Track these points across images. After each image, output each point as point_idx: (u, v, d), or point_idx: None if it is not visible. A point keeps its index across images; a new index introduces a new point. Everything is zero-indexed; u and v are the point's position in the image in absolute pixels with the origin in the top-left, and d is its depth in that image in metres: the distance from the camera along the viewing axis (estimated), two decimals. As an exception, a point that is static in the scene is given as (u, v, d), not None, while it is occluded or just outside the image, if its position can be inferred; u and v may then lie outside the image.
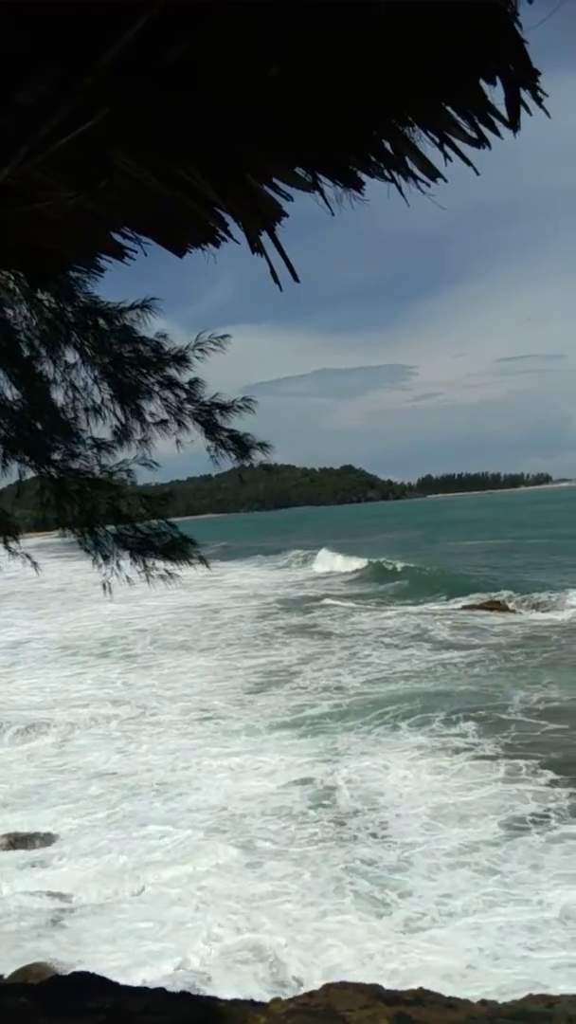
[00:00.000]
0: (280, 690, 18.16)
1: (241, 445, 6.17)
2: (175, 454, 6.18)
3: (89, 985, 5.57)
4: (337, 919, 8.04)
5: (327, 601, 33.87)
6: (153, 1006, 5.18)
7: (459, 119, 2.15)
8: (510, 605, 27.57)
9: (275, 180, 2.66)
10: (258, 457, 6.29)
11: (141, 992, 5.63)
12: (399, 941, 7.61)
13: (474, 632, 23.76)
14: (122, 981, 5.90)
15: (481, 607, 27.86)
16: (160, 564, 6.30)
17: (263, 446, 6.24)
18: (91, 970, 6.02)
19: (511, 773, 11.68)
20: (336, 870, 9.06)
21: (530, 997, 6.15)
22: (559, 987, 6.65)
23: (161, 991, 5.71)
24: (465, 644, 21.98)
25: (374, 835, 9.97)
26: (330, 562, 52.22)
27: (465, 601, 29.51)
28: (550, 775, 11.40)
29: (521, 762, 11.98)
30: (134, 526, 6.34)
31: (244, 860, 9.53)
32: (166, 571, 6.30)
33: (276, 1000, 5.48)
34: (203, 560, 6.47)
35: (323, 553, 55.50)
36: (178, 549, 6.32)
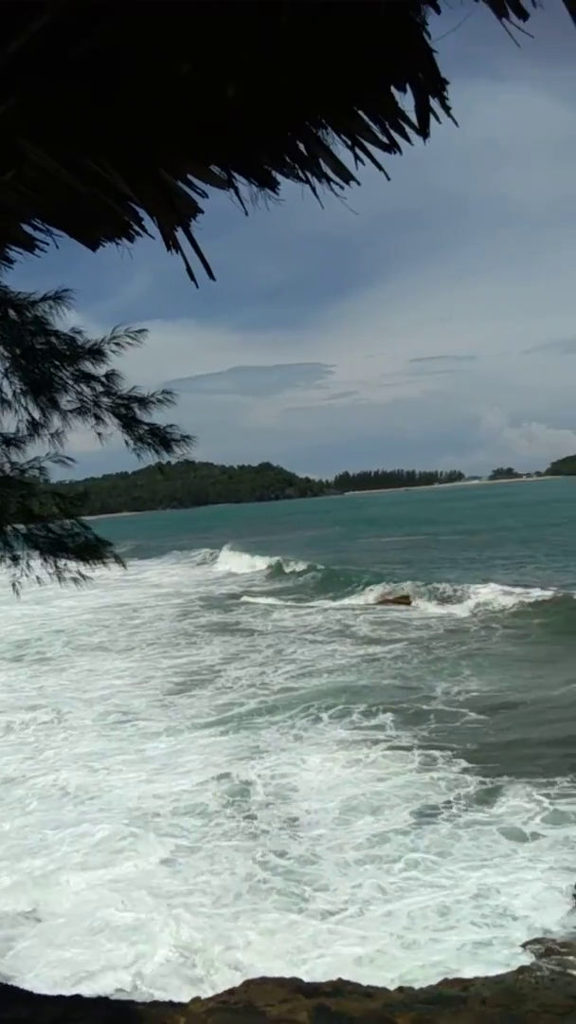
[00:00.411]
0: (203, 690, 18.03)
1: (162, 439, 6.06)
2: (90, 450, 6.05)
3: (1, 995, 5.43)
4: (252, 915, 8.08)
5: (246, 599, 33.83)
6: (69, 1014, 5.09)
7: (371, 124, 2.19)
8: (421, 599, 28.02)
9: (190, 176, 2.65)
10: (180, 451, 6.19)
11: (57, 1000, 5.53)
12: (316, 933, 7.70)
13: (394, 627, 24.14)
14: (40, 990, 5.77)
15: (395, 601, 28.32)
16: (72, 565, 6.16)
17: (185, 439, 6.15)
18: (12, 981, 5.88)
19: (425, 763, 11.96)
20: (250, 865, 9.09)
21: (445, 981, 6.32)
22: (470, 968, 6.87)
23: (77, 997, 5.62)
24: (385, 639, 22.37)
25: (286, 829, 10.05)
26: (236, 561, 50.75)
27: (380, 596, 29.92)
28: (463, 763, 11.73)
29: (436, 752, 12.28)
30: (46, 526, 6.17)
31: (158, 858, 9.48)
32: (79, 573, 6.16)
33: (195, 1000, 5.46)
34: (119, 560, 6.36)
35: (225, 553, 54.53)
36: (91, 550, 6.18)
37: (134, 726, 15.26)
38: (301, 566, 41.21)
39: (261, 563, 46.87)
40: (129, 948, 7.62)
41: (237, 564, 49.74)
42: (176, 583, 43.73)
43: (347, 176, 2.41)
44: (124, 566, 6.47)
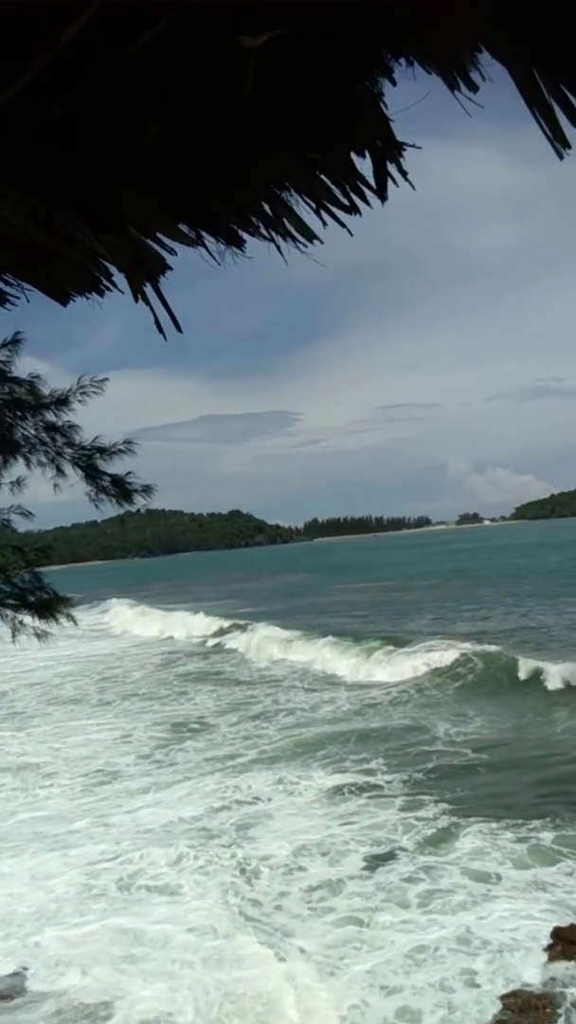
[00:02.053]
0: (196, 742, 17.65)
1: (123, 489, 6.08)
2: (59, 500, 6.05)
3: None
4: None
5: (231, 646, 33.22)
6: None
7: (333, 187, 2.29)
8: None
9: (159, 234, 2.73)
10: (141, 501, 6.22)
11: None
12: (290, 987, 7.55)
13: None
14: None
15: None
16: (30, 621, 6.10)
17: (146, 489, 6.17)
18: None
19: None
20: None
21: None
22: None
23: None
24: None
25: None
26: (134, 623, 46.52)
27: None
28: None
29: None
30: (9, 579, 6.11)
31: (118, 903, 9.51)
32: (41, 630, 6.11)
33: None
34: (71, 618, 6.35)
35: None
36: (50, 606, 6.14)
37: (114, 784, 14.86)
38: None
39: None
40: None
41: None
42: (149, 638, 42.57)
43: (310, 235, 2.51)
44: (76, 623, 6.45)
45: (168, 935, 8.73)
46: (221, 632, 36.93)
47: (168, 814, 12.44)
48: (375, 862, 10.18)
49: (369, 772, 14.14)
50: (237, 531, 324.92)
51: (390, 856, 10.33)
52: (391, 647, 25.87)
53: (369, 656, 25.26)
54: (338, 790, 13.22)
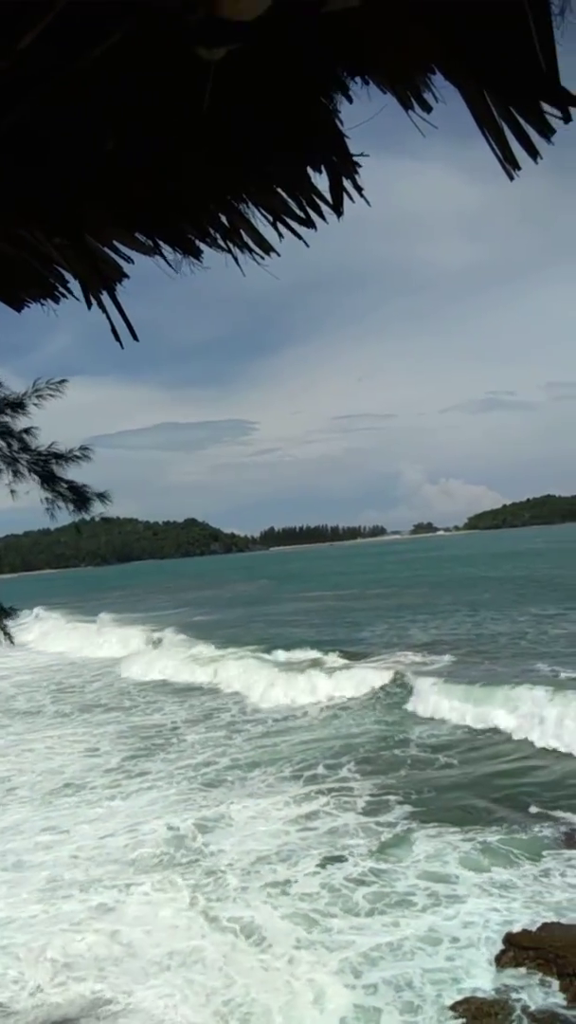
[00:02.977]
0: (159, 755, 17.47)
1: (80, 496, 6.01)
2: (9, 507, 5.94)
3: None
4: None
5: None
6: None
7: (289, 201, 2.32)
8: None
9: (116, 243, 2.73)
10: (97, 508, 6.14)
11: None
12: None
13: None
14: None
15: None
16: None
17: (102, 497, 6.10)
18: None
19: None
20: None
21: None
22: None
23: None
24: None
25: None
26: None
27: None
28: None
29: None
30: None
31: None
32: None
33: None
34: (9, 636, 6.25)
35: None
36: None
37: (81, 795, 14.65)
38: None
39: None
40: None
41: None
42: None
43: (267, 248, 2.53)
44: (12, 642, 6.35)
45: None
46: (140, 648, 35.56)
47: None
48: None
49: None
50: (192, 540, 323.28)
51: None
52: (317, 665, 25.45)
53: (286, 673, 24.30)
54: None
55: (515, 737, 16.30)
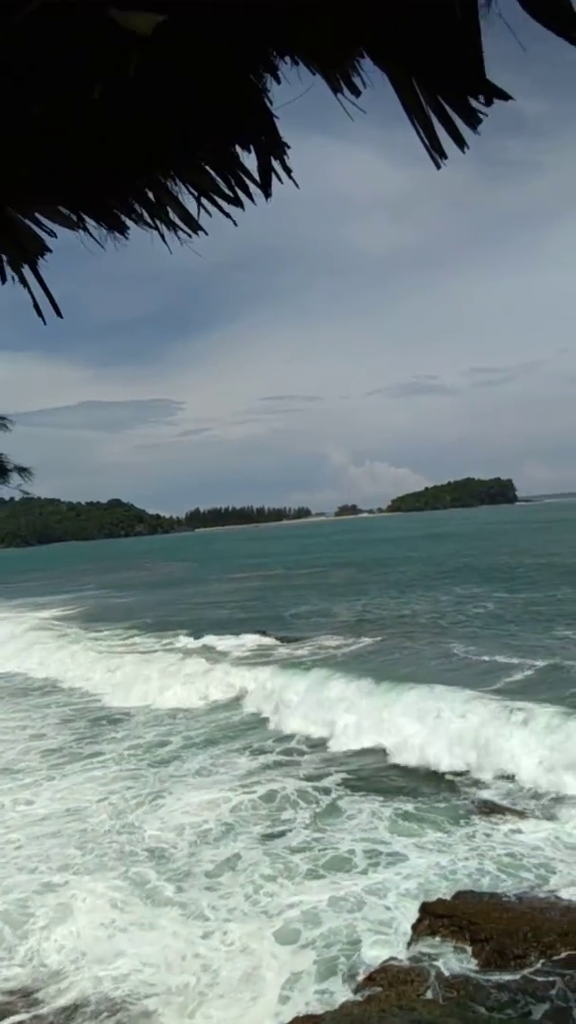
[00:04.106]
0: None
1: (-1, 466, 5.80)
2: None
3: None
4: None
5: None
6: None
7: (217, 178, 2.29)
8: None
9: (38, 215, 2.65)
10: (16, 481, 5.94)
11: None
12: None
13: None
14: None
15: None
16: None
17: (23, 471, 5.91)
18: None
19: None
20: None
21: (297, 1019, 6.34)
22: (319, 1000, 6.94)
23: None
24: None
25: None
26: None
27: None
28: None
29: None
30: None
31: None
32: None
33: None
34: None
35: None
36: None
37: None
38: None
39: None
40: None
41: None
42: None
43: (195, 226, 2.50)
44: None
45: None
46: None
47: None
48: None
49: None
50: (117, 520, 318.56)
51: None
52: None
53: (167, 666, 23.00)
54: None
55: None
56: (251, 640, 26.87)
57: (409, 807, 11.39)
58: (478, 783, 12.20)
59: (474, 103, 1.80)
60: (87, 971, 7.82)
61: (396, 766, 13.52)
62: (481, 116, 1.83)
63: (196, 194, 2.39)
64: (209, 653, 25.31)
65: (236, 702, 19.23)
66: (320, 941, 8.08)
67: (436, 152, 1.93)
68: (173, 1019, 7.04)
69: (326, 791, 12.34)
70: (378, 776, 13.08)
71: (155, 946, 8.21)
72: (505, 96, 1.80)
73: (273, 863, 9.90)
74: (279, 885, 9.41)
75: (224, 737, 16.30)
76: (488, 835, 10.22)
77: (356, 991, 6.86)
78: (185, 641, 28.04)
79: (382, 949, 7.70)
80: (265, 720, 17.30)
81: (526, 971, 6.70)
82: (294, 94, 2.08)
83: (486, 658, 20.44)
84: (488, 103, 1.80)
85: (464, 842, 10.11)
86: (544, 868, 9.17)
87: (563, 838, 9.91)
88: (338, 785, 12.60)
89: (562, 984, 6.40)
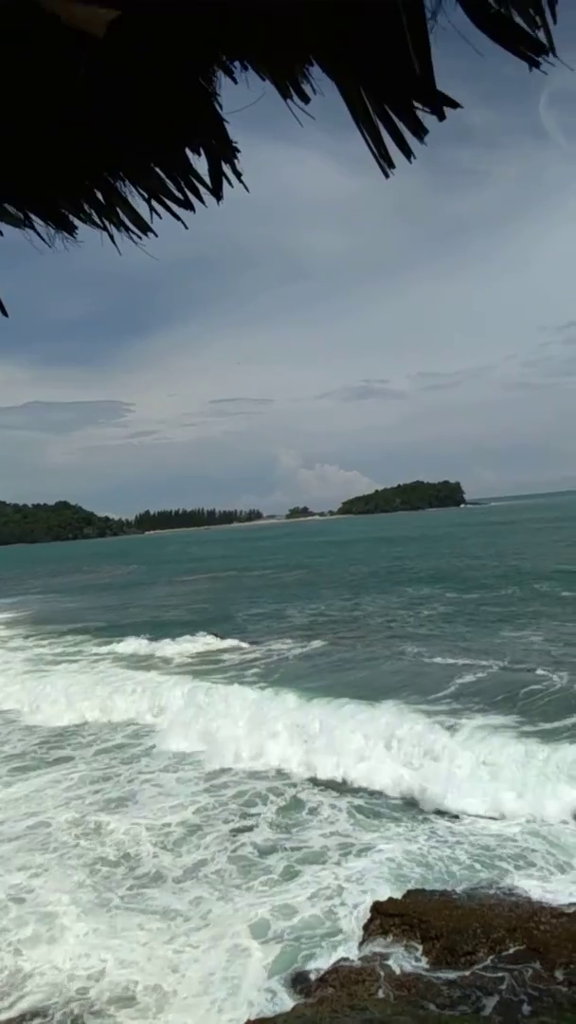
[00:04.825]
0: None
1: None
2: None
3: None
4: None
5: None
6: None
7: (168, 181, 2.28)
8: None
9: (-17, 213, 2.60)
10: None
11: None
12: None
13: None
14: None
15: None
16: None
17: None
18: None
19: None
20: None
21: (249, 1023, 6.32)
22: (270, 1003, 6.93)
23: None
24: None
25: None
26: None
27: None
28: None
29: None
30: None
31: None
32: None
33: None
34: None
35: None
36: None
37: None
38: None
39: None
40: None
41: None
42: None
43: (144, 227, 2.48)
44: None
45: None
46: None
47: None
48: None
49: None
50: (64, 523, 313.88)
51: None
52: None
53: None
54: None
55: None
56: (199, 644, 26.73)
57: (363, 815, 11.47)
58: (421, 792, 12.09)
59: (422, 113, 1.83)
60: (49, 976, 7.72)
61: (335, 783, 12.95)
62: (427, 127, 1.85)
63: (146, 196, 2.37)
64: (152, 660, 25.10)
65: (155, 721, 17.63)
66: (290, 935, 8.17)
67: (384, 161, 1.95)
68: (134, 1022, 7.00)
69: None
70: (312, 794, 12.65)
71: (121, 949, 8.16)
72: (454, 104, 1.83)
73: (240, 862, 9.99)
74: (247, 884, 9.44)
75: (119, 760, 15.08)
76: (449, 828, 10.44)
77: (308, 993, 6.87)
78: (132, 645, 27.64)
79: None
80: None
81: (476, 967, 6.79)
82: (245, 99, 2.08)
83: (438, 660, 20.66)
84: (437, 113, 1.83)
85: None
86: (522, 859, 9.40)
87: (510, 833, 10.11)
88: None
89: (511, 979, 6.50)
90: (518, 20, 1.63)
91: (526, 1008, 6.04)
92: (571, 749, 11.68)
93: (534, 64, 1.68)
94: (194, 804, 12.10)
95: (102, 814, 11.81)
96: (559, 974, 6.43)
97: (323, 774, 13.08)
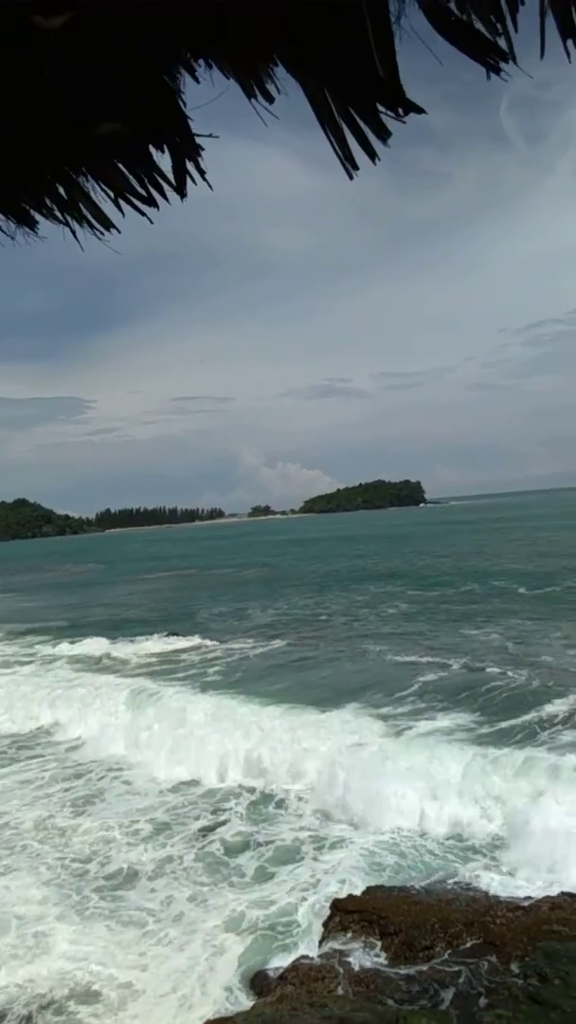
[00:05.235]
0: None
1: None
2: None
3: None
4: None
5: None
6: None
7: (131, 177, 2.27)
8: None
9: None
10: None
11: None
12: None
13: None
14: None
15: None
16: None
17: None
18: None
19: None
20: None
21: (209, 1022, 6.31)
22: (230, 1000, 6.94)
23: None
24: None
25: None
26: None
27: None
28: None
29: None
30: None
31: None
32: None
33: None
34: None
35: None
36: None
37: None
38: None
39: None
40: None
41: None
42: None
43: (108, 223, 2.46)
44: None
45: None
46: None
47: None
48: None
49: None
50: (23, 521, 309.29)
51: None
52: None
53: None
54: None
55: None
56: (159, 644, 26.54)
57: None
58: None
59: (386, 117, 1.84)
60: (15, 975, 7.64)
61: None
62: (391, 130, 1.87)
63: (110, 192, 2.35)
64: (109, 661, 24.82)
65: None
66: (264, 929, 8.18)
67: (348, 162, 1.96)
68: (99, 1019, 6.98)
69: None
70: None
71: (88, 947, 8.11)
72: (419, 109, 1.85)
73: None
74: (214, 883, 9.43)
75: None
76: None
77: (268, 991, 6.88)
78: (90, 646, 27.23)
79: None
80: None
81: (433, 962, 6.86)
82: (210, 97, 2.08)
83: (400, 659, 20.79)
84: (400, 117, 1.85)
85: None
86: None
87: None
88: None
89: (467, 973, 6.58)
90: (479, 27, 1.65)
91: (482, 1001, 6.12)
92: (519, 754, 11.60)
93: (494, 71, 1.71)
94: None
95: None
96: (514, 967, 6.52)
97: (270, 786, 12.66)
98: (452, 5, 1.60)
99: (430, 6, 1.60)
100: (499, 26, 1.65)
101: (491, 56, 1.65)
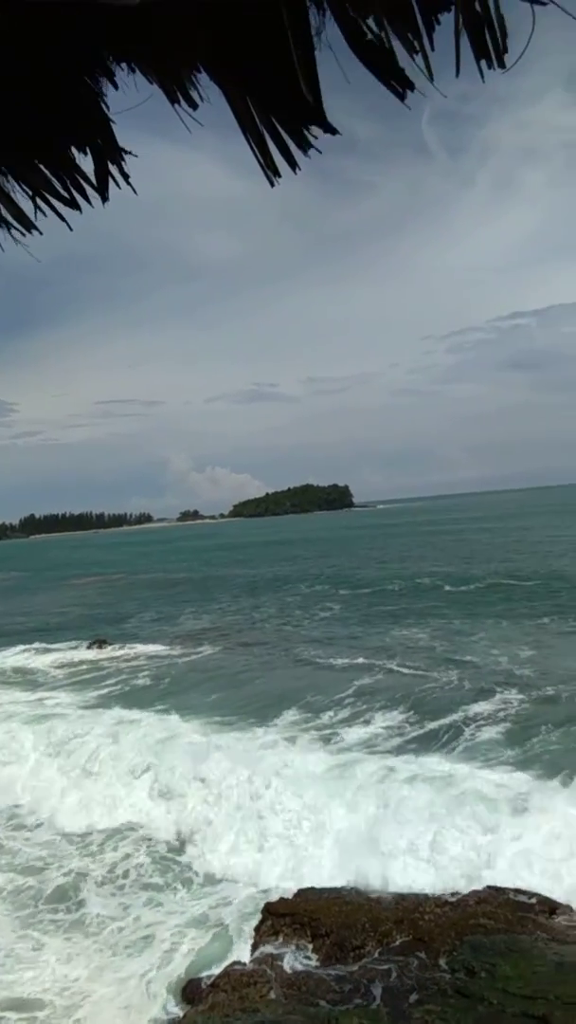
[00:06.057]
0: None
1: None
2: None
3: None
4: None
5: None
6: None
7: (53, 179, 2.23)
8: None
9: None
10: None
11: None
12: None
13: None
14: None
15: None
16: None
17: None
18: None
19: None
20: None
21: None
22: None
23: None
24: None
25: None
26: None
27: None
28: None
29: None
30: None
31: None
32: None
33: None
34: None
35: None
36: None
37: None
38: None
39: None
40: None
41: None
42: None
43: (28, 224, 2.42)
44: None
45: None
46: None
47: None
48: None
49: None
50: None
51: None
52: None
53: None
54: None
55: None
56: (82, 652, 25.88)
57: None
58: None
59: (306, 131, 1.87)
60: None
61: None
62: (312, 141, 1.90)
63: (30, 193, 2.31)
64: (28, 672, 23.71)
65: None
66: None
67: (270, 170, 1.98)
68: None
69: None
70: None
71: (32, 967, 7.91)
72: (333, 131, 1.87)
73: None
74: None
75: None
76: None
77: (200, 1000, 6.83)
78: (8, 658, 26.22)
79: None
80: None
81: (364, 961, 6.93)
82: (134, 101, 2.07)
83: (332, 661, 20.90)
84: (314, 142, 1.87)
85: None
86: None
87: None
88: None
89: (397, 970, 6.67)
90: (394, 45, 1.69)
91: (413, 997, 6.21)
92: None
93: (400, 98, 1.75)
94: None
95: None
96: (442, 962, 6.65)
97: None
98: (371, 22, 1.64)
99: (347, 24, 1.64)
100: (416, 43, 1.69)
101: (400, 84, 1.69)
